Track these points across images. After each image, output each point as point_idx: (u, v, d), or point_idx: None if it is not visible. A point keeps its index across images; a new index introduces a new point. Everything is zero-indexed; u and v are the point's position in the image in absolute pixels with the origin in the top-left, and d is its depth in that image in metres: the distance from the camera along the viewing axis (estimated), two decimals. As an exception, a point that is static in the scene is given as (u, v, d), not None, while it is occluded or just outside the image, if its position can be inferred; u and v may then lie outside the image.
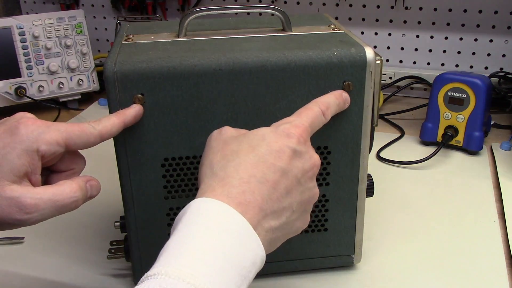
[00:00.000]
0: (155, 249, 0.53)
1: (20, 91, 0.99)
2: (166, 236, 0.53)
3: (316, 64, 0.47)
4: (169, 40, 0.51)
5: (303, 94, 0.48)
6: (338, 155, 0.52)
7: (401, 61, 1.15)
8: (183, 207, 0.52)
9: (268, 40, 0.51)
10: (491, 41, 1.07)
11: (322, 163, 0.52)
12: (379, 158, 0.85)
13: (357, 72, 0.48)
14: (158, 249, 0.54)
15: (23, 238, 0.65)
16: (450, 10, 1.06)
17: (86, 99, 1.11)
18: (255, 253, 0.36)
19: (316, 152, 0.52)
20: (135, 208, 0.51)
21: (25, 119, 0.41)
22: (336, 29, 0.54)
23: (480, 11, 1.05)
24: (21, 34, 0.99)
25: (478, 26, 1.06)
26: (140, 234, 0.52)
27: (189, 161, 0.50)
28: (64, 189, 0.41)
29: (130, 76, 0.45)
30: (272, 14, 0.53)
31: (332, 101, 0.47)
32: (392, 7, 1.10)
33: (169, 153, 0.49)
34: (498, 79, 1.04)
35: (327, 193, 0.53)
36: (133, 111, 0.46)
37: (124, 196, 0.50)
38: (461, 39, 1.08)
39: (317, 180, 0.53)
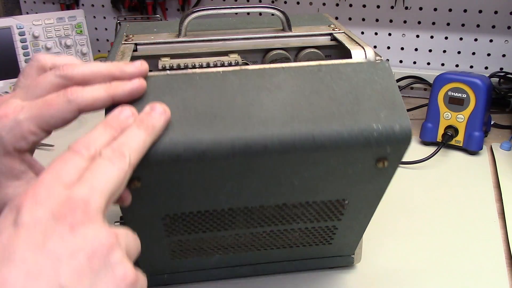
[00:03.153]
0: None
1: (20, 91, 0.99)
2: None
3: (349, 144, 0.38)
4: (167, 73, 0.41)
5: (327, 169, 0.41)
6: (356, 204, 0.48)
7: (401, 61, 1.15)
8: (183, 207, 0.52)
9: (295, 91, 0.40)
10: (491, 41, 1.07)
11: (336, 207, 0.47)
12: (379, 158, 0.85)
13: (397, 151, 0.40)
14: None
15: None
16: (450, 10, 1.06)
17: (86, 99, 1.11)
18: None
19: (331, 200, 0.45)
20: None
21: None
22: (336, 29, 0.54)
23: (480, 11, 1.05)
24: (21, 34, 0.99)
25: (478, 26, 1.06)
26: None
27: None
28: None
29: None
30: (272, 14, 0.53)
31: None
32: (392, 7, 1.10)
33: (169, 211, 0.45)
34: (498, 79, 1.04)
35: (338, 225, 0.51)
36: (128, 87, 0.37)
37: None
38: (461, 39, 1.08)
39: (329, 217, 0.48)
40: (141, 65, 0.39)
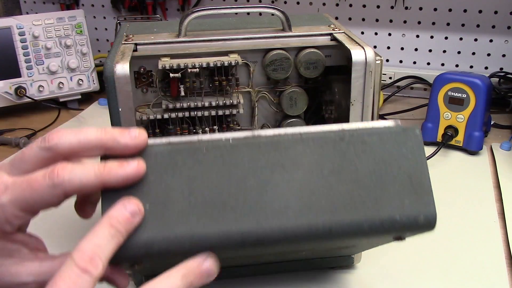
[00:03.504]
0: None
1: (20, 91, 0.99)
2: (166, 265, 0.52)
3: (367, 235, 0.35)
4: (170, 142, 0.36)
5: (340, 248, 0.41)
6: (364, 246, 0.48)
7: (401, 61, 1.15)
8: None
9: (314, 170, 0.35)
10: (491, 41, 1.07)
11: (343, 247, 0.47)
12: (379, 158, 0.85)
13: (417, 234, 0.37)
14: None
15: (23, 238, 0.64)
16: (450, 10, 1.06)
17: (86, 99, 1.11)
18: None
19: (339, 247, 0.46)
20: None
21: None
22: (336, 29, 0.54)
23: (480, 11, 1.05)
24: (21, 34, 0.99)
25: (478, 26, 1.06)
26: None
27: None
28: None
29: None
30: (272, 14, 0.53)
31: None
32: (392, 7, 1.10)
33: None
34: (498, 79, 1.04)
35: (343, 250, 0.51)
36: (122, 174, 0.32)
37: None
38: (461, 39, 1.08)
39: (334, 250, 0.49)
40: (139, 135, 0.33)
